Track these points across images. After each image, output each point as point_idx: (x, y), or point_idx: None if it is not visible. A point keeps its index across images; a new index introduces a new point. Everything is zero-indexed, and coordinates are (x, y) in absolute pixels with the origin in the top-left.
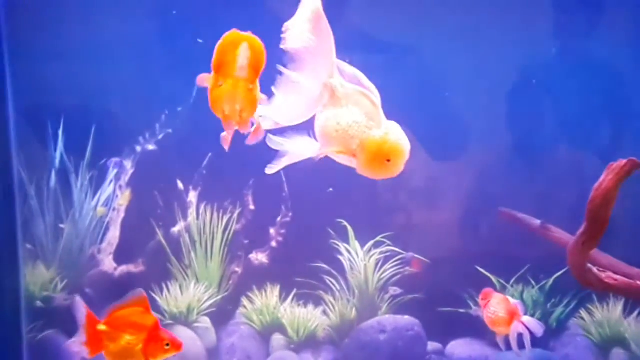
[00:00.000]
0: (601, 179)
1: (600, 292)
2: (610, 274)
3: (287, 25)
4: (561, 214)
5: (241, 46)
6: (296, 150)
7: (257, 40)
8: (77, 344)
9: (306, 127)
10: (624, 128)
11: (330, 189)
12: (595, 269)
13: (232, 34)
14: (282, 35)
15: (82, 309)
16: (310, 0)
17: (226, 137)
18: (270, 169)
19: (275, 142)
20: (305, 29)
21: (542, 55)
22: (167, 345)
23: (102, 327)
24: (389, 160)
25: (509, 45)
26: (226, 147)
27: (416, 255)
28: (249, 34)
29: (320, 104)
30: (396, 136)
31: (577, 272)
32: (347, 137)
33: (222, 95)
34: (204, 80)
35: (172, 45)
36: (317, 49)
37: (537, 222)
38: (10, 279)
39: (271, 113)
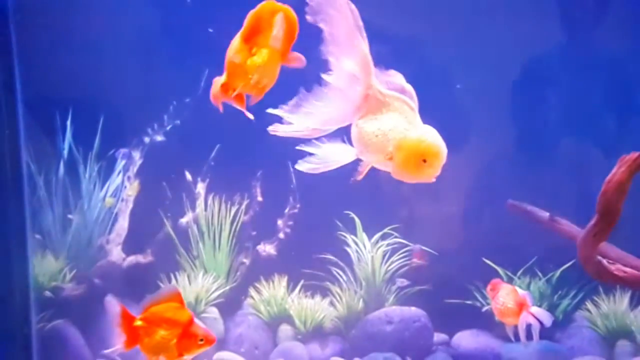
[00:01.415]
0: (613, 171)
1: (609, 284)
2: (619, 266)
3: (324, 34)
4: (567, 207)
5: (278, 16)
6: (332, 156)
7: (292, 13)
8: (115, 340)
9: (340, 134)
10: (633, 121)
11: (352, 179)
12: (605, 261)
13: (269, 3)
14: (322, 48)
15: (116, 306)
16: (344, 8)
17: (217, 99)
18: (304, 168)
19: (313, 150)
20: (342, 37)
21: (549, 49)
22: (201, 340)
23: (138, 322)
24: (425, 161)
25: (516, 37)
26: (220, 108)
27: (423, 247)
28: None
29: (359, 111)
30: (433, 137)
31: (587, 264)
32: (385, 142)
33: (255, 65)
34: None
35: (180, 35)
36: (355, 56)
37: (546, 214)
38: (19, 269)
39: (308, 119)
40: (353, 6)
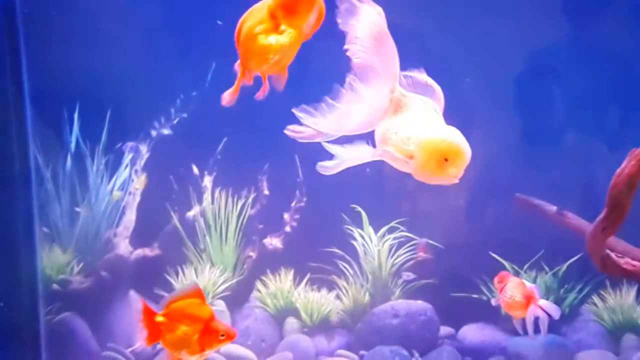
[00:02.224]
0: (623, 165)
1: (616, 278)
2: (628, 260)
3: (351, 38)
4: (574, 200)
5: (317, 4)
6: (354, 156)
7: (323, 6)
8: (137, 336)
9: (365, 137)
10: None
11: (368, 169)
12: (613, 255)
13: None
14: (347, 47)
15: (138, 302)
16: (372, 13)
17: (234, 92)
18: (325, 170)
19: (333, 149)
20: (369, 42)
21: (555, 42)
22: (222, 336)
23: (160, 318)
24: (446, 160)
25: (522, 31)
26: (230, 103)
27: (430, 241)
28: None
29: (384, 115)
30: (455, 136)
31: (596, 257)
32: (406, 140)
33: (279, 45)
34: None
35: (187, 29)
36: (381, 61)
37: (553, 208)
38: (27, 262)
39: (332, 124)
40: (380, 9)
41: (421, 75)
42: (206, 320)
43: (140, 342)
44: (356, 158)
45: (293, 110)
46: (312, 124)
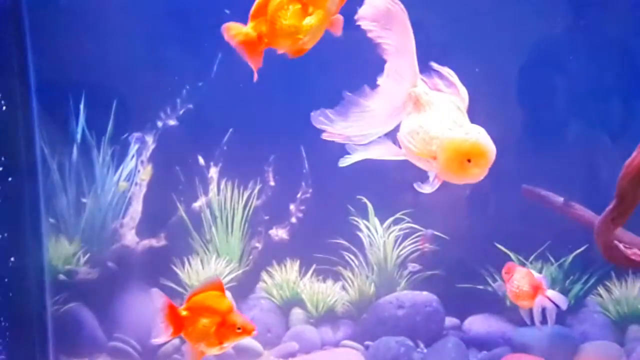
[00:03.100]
0: (633, 155)
1: (624, 268)
2: (636, 250)
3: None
4: (580, 192)
5: None
6: (377, 155)
7: None
8: (162, 331)
9: (389, 135)
10: None
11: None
12: (621, 246)
13: None
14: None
15: (161, 298)
16: (393, 8)
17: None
18: (344, 162)
19: (356, 148)
20: (387, 39)
21: (560, 33)
22: (239, 329)
23: (183, 312)
24: (469, 161)
25: (527, 22)
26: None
27: (436, 232)
28: None
29: (402, 112)
30: (478, 136)
31: (604, 248)
32: (428, 139)
33: (309, 26)
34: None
35: (193, 19)
36: (399, 57)
37: (560, 199)
38: (33, 253)
39: (356, 125)
40: (402, 7)
41: (445, 72)
42: (224, 313)
43: (164, 336)
44: (380, 157)
45: (317, 125)
46: (335, 131)
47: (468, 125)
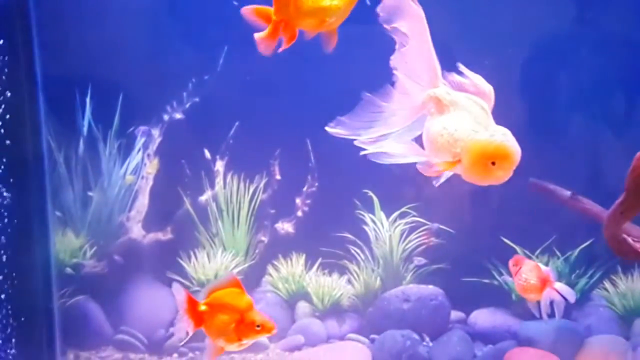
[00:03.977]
0: None
1: (632, 262)
2: None
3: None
4: (586, 185)
5: None
6: (401, 154)
7: None
8: (183, 325)
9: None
10: None
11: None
12: (630, 239)
13: None
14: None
15: (182, 293)
16: (411, 10)
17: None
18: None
19: (384, 147)
20: (407, 41)
21: (566, 26)
22: (258, 327)
23: (203, 307)
24: (493, 164)
25: (533, 15)
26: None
27: (441, 226)
28: None
29: (420, 112)
30: (503, 138)
31: (613, 241)
32: (452, 142)
33: (337, 7)
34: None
35: (199, 11)
36: (417, 58)
37: (567, 192)
38: (40, 247)
39: (374, 127)
40: (420, 8)
41: (469, 73)
42: (243, 310)
43: (185, 331)
44: (404, 158)
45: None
46: (354, 136)
47: (493, 126)
